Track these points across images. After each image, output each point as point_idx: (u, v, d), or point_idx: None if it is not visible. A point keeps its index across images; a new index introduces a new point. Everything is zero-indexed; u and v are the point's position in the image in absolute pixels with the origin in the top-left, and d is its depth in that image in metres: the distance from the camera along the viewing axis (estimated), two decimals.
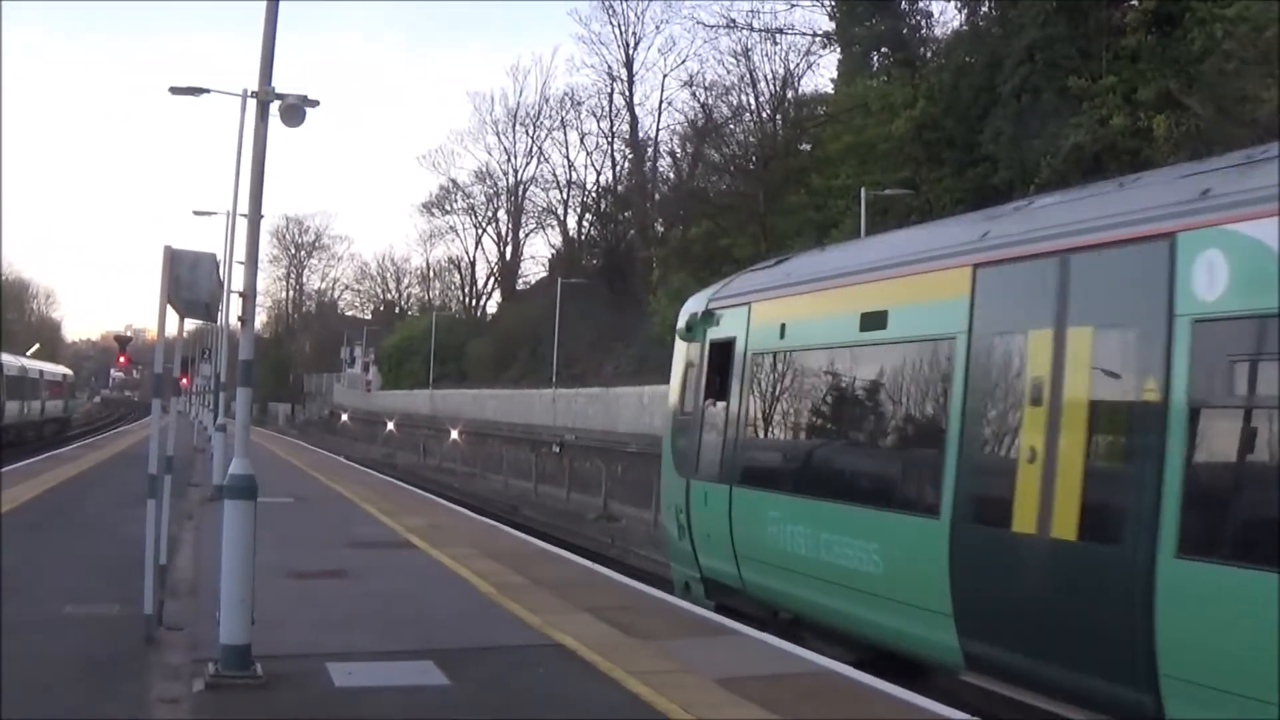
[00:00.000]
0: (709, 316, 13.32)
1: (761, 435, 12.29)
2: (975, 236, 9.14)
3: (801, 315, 11.53)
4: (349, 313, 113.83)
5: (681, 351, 14.04)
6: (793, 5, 46.68)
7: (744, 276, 13.85)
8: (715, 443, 12.71)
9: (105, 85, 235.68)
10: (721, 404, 12.69)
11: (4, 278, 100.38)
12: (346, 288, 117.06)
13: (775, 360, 11.89)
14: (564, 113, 75.08)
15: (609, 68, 66.98)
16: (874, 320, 9.97)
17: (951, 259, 9.22)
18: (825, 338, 10.96)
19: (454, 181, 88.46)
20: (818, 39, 47.34)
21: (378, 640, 9.98)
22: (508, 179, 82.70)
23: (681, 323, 13.87)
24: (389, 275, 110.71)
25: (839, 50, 46.58)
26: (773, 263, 13.76)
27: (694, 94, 56.63)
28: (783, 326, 11.73)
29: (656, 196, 60.75)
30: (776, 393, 11.95)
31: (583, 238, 74.98)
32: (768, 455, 12.19)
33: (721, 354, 12.82)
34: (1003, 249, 8.72)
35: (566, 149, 77.15)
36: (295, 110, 11.00)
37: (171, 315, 10.73)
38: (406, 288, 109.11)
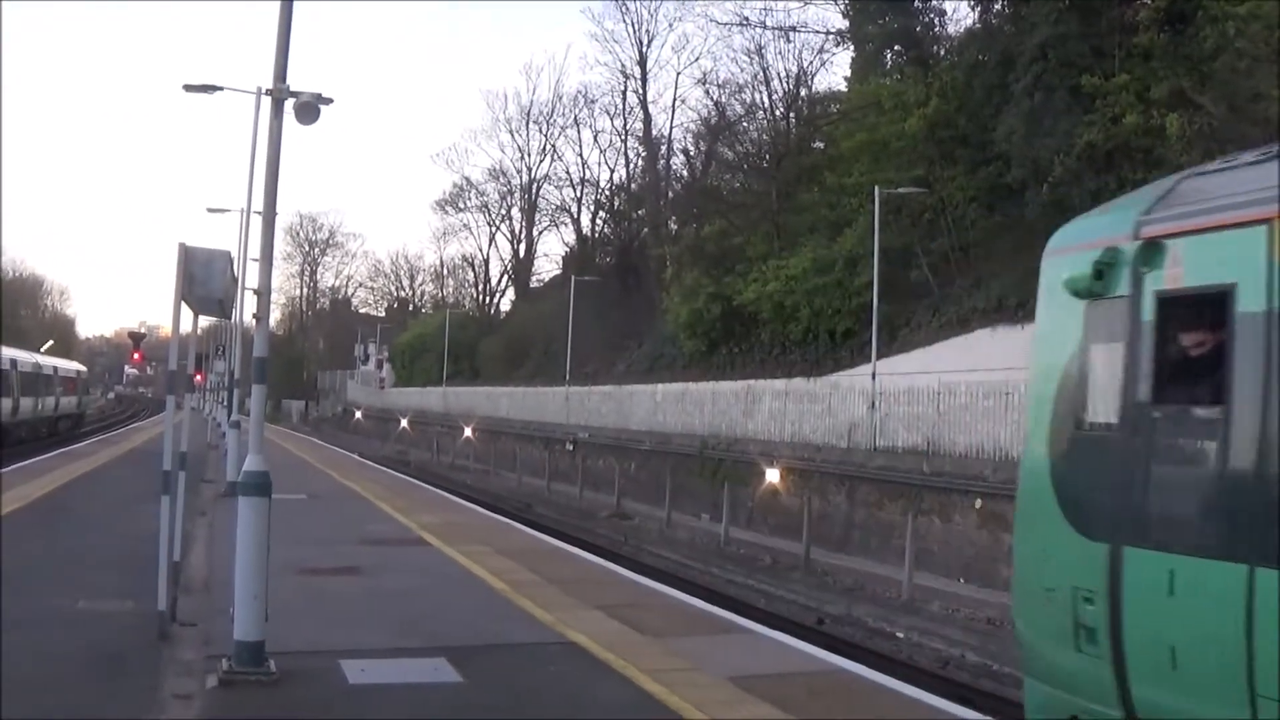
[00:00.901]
0: (1152, 252, 6.98)
1: None
2: None
3: None
4: (363, 310, 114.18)
5: (1068, 317, 7.57)
6: (806, 3, 46.69)
7: (1203, 179, 7.27)
8: (1201, 482, 6.86)
9: (119, 82, 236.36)
10: (1211, 410, 6.79)
11: (11, 274, 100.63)
12: (360, 285, 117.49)
13: None
14: (577, 110, 75.24)
15: (622, 65, 67.00)
16: None
17: None
18: None
19: (467, 179, 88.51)
20: (831, 37, 47.40)
21: (390, 637, 10.03)
22: (521, 177, 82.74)
23: (1075, 268, 7.26)
24: (402, 273, 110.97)
25: (852, 48, 46.52)
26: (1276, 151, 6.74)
27: (707, 92, 56.97)
28: None
29: (670, 194, 60.78)
30: None
31: (596, 235, 74.99)
32: None
33: (1195, 317, 6.95)
34: None
35: (580, 147, 77.35)
36: (309, 108, 10.99)
37: (186, 312, 10.78)
38: (420, 285, 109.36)
